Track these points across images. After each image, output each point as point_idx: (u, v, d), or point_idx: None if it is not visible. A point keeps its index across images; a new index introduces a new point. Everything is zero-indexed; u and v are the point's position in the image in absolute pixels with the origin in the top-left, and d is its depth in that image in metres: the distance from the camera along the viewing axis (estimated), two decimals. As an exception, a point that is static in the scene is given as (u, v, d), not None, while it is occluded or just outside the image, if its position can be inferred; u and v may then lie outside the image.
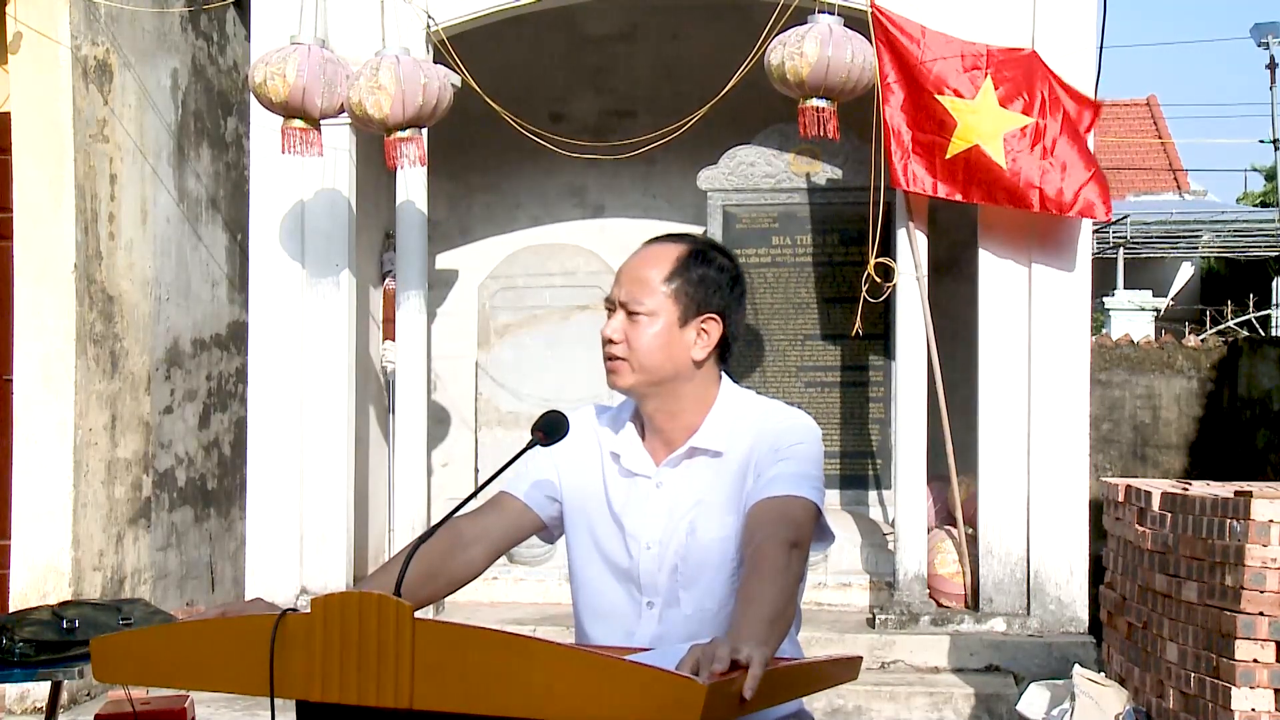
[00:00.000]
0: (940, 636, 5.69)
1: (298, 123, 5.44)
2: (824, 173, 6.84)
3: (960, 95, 5.50)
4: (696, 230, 7.05)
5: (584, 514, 2.26)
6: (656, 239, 2.28)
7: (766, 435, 2.17)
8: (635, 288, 2.19)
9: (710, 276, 2.21)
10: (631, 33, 7.49)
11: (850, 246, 6.77)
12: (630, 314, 2.18)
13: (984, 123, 5.47)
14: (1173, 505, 4.40)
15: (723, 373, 2.28)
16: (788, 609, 1.94)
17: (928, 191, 5.65)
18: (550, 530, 2.31)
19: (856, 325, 6.06)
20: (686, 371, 2.20)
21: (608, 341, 2.20)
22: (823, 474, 2.20)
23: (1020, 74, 5.55)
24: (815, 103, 5.32)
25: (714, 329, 2.21)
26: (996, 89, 5.48)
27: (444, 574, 2.16)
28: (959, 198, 5.65)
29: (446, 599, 6.25)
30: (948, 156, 5.51)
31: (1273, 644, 3.87)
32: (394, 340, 6.41)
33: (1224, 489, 4.44)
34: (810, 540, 2.13)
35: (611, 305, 2.22)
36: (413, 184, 6.17)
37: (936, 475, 6.06)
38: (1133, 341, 8.80)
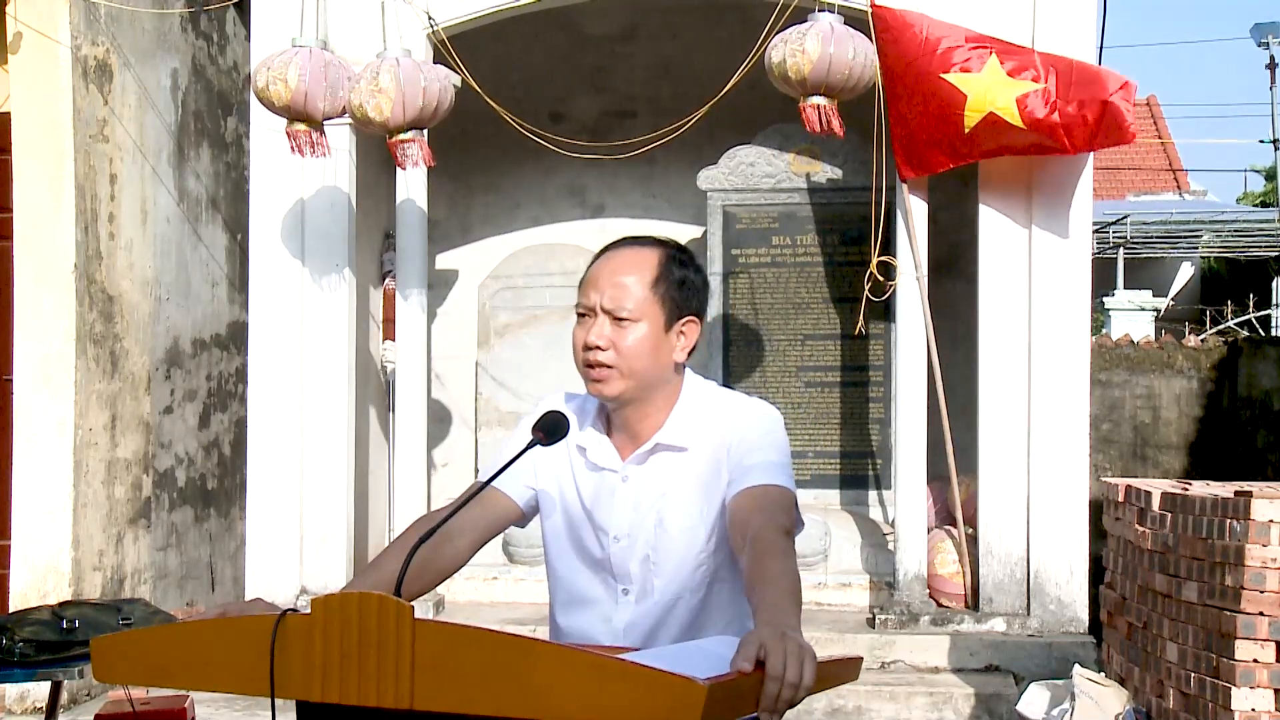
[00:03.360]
0: (940, 636, 5.70)
1: (301, 125, 5.44)
2: (824, 173, 6.84)
3: (967, 70, 5.48)
4: (696, 231, 7.05)
5: (557, 503, 2.29)
6: (624, 242, 2.26)
7: (736, 427, 2.19)
8: (619, 293, 2.16)
9: (690, 279, 2.23)
10: (631, 33, 7.49)
11: (850, 246, 6.77)
12: (616, 319, 2.16)
13: (994, 90, 5.44)
14: (1173, 505, 4.40)
15: (686, 366, 2.30)
16: (799, 587, 1.96)
17: (937, 169, 5.67)
18: (526, 516, 2.35)
19: (859, 325, 6.06)
20: (667, 374, 2.22)
21: (592, 348, 2.17)
22: (790, 460, 2.25)
23: (1027, 58, 5.54)
24: (816, 100, 5.32)
25: (693, 331, 2.23)
26: (1003, 64, 5.48)
27: (432, 567, 2.18)
28: (977, 160, 5.66)
29: (447, 599, 6.27)
30: (966, 131, 5.49)
31: (1273, 644, 3.87)
32: (394, 340, 6.41)
33: (1224, 489, 4.44)
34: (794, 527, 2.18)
35: (587, 311, 2.19)
36: (413, 184, 6.17)
37: (936, 475, 6.06)
38: (1133, 341, 8.79)
